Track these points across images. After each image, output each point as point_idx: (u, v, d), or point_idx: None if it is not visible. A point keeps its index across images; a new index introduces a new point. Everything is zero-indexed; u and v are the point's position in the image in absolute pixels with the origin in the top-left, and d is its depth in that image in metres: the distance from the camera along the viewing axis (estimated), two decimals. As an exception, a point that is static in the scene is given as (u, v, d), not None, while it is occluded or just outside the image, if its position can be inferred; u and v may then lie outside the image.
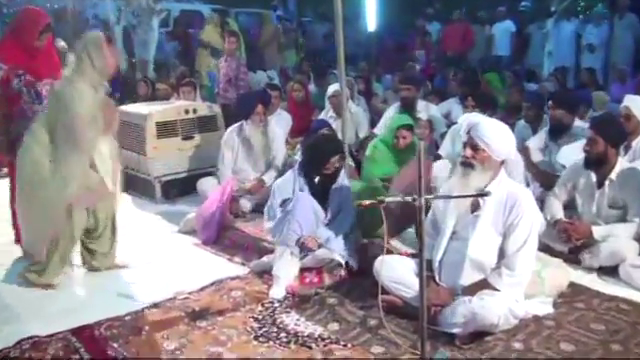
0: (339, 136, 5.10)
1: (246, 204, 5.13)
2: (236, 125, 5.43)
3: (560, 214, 4.04)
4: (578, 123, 4.95)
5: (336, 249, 3.82)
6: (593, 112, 6.19)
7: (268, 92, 6.10)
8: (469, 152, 3.11)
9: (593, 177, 3.96)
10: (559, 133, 4.85)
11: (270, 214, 4.01)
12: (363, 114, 6.81)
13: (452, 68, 9.63)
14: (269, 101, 5.62)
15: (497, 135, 3.07)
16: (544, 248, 3.71)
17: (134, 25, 10.93)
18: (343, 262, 3.80)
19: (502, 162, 3.13)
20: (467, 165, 3.11)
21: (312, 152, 4.12)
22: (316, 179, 4.06)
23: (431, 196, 2.77)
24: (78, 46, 3.59)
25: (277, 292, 3.57)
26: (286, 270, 3.70)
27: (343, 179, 4.12)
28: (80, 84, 3.52)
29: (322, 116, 6.58)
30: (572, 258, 3.87)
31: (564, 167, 4.46)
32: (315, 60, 11.93)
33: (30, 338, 3.11)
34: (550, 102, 5.01)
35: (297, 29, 13.62)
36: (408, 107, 6.12)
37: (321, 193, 4.02)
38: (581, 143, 4.09)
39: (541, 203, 4.02)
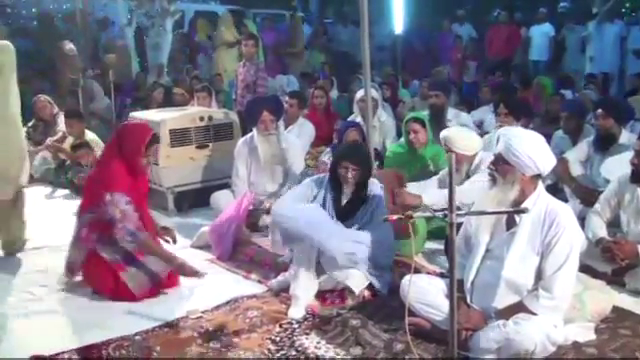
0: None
1: (265, 219, 5.13)
2: (248, 135, 5.46)
3: (603, 232, 3.99)
4: (625, 134, 4.89)
5: (359, 270, 3.81)
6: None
7: (278, 98, 6.06)
8: (491, 164, 3.14)
9: None
10: (606, 144, 4.78)
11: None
12: (392, 123, 6.81)
13: (492, 74, 9.64)
14: (279, 108, 5.53)
15: (523, 148, 3.02)
16: (585, 269, 3.67)
17: (147, 27, 11.08)
18: (357, 292, 3.75)
19: (536, 177, 3.09)
20: (490, 177, 3.15)
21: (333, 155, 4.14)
22: (344, 199, 4.02)
23: (463, 212, 2.76)
24: None
25: (296, 312, 3.58)
26: (304, 290, 3.70)
27: (378, 199, 4.02)
28: None
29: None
30: (616, 280, 3.82)
31: (608, 182, 4.41)
32: (339, 64, 11.99)
33: (34, 358, 3.14)
34: (599, 110, 4.89)
35: (320, 31, 13.72)
36: (437, 115, 6.10)
37: (348, 212, 3.99)
38: (627, 155, 4.04)
39: (582, 221, 3.97)
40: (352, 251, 3.76)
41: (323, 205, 3.99)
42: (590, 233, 3.98)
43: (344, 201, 4.01)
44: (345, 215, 3.98)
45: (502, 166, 3.08)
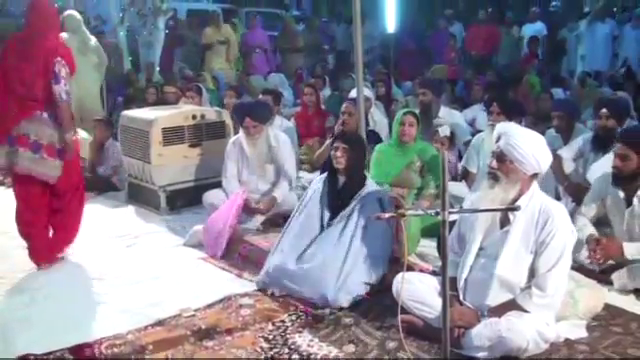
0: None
1: (257, 219, 5.12)
2: (237, 135, 5.44)
3: (589, 229, 3.94)
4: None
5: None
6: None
7: (264, 103, 5.97)
8: (495, 163, 3.11)
9: (621, 194, 3.87)
10: (604, 144, 4.73)
11: None
12: (385, 122, 6.81)
13: (476, 72, 9.65)
14: (264, 113, 5.39)
15: (527, 147, 3.04)
16: (578, 267, 3.68)
17: (139, 26, 11.03)
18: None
19: (534, 175, 3.11)
20: (492, 177, 3.12)
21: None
22: (340, 183, 4.09)
23: (456, 210, 2.76)
24: None
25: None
26: None
27: (369, 197, 4.01)
28: None
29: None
30: (604, 278, 3.79)
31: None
32: (335, 62, 12.00)
33: (25, 356, 3.13)
34: (604, 110, 4.83)
35: (313, 29, 13.73)
36: (425, 112, 6.06)
37: (341, 203, 4.02)
38: (610, 157, 4.01)
39: (574, 219, 3.96)
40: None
41: (320, 199, 4.05)
42: (579, 233, 3.96)
43: (339, 188, 4.07)
44: (337, 207, 3.99)
45: (506, 165, 3.07)
